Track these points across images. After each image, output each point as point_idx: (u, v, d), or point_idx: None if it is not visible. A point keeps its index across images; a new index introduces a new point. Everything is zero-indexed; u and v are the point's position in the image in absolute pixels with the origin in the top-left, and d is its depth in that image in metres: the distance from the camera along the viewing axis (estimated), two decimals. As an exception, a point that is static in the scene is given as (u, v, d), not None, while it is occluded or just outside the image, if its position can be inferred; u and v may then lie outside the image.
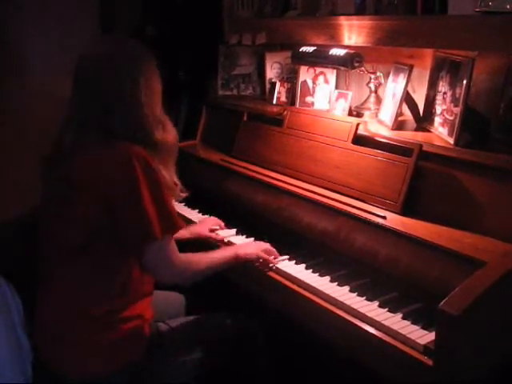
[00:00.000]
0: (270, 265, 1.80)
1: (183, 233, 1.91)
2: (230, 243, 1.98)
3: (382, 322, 1.45)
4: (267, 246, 1.84)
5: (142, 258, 1.54)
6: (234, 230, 2.08)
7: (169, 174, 1.61)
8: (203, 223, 2.09)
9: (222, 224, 2.11)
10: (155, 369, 1.60)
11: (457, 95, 1.75)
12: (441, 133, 1.83)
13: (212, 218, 2.16)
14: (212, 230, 2.06)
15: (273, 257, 1.81)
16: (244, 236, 2.03)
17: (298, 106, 2.38)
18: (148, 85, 1.57)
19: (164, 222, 1.50)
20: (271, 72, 2.65)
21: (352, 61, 2.07)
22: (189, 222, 2.17)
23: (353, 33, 2.15)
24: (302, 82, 2.39)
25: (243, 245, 1.90)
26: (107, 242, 1.51)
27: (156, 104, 1.60)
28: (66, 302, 1.55)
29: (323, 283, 1.67)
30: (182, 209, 2.30)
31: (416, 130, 1.98)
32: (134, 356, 1.56)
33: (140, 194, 1.46)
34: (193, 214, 2.28)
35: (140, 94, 1.54)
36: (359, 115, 2.17)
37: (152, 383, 1.61)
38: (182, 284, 1.70)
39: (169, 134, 1.62)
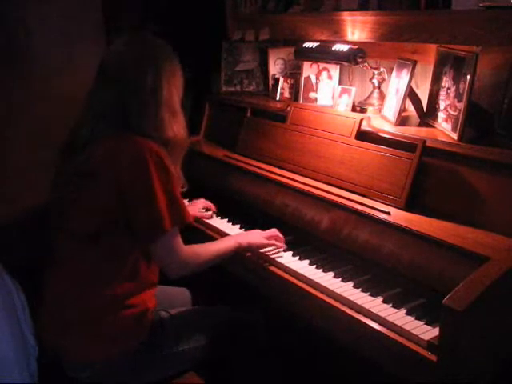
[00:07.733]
0: (277, 250, 1.83)
1: None
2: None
3: (386, 318, 1.45)
4: (271, 231, 1.87)
5: (151, 249, 1.57)
6: (237, 226, 2.08)
7: (176, 169, 1.64)
8: (193, 205, 2.16)
9: (212, 206, 2.19)
10: (155, 356, 1.62)
11: (460, 90, 1.75)
12: (444, 128, 1.82)
13: (201, 200, 2.21)
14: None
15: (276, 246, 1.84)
16: (248, 232, 2.03)
17: (301, 101, 2.38)
18: (169, 85, 1.61)
19: (173, 215, 1.54)
20: (274, 68, 2.65)
21: (355, 56, 2.07)
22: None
23: (356, 28, 2.15)
24: (305, 78, 2.40)
25: (245, 233, 1.92)
26: (118, 231, 1.55)
27: (175, 102, 1.64)
28: (73, 287, 1.58)
29: (327, 279, 1.67)
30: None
31: (419, 125, 1.98)
32: (135, 342, 1.59)
33: (152, 187, 1.50)
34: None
35: (160, 95, 1.58)
36: (363, 111, 2.17)
37: (152, 370, 1.64)
38: (188, 274, 1.71)
39: (181, 130, 1.65)
